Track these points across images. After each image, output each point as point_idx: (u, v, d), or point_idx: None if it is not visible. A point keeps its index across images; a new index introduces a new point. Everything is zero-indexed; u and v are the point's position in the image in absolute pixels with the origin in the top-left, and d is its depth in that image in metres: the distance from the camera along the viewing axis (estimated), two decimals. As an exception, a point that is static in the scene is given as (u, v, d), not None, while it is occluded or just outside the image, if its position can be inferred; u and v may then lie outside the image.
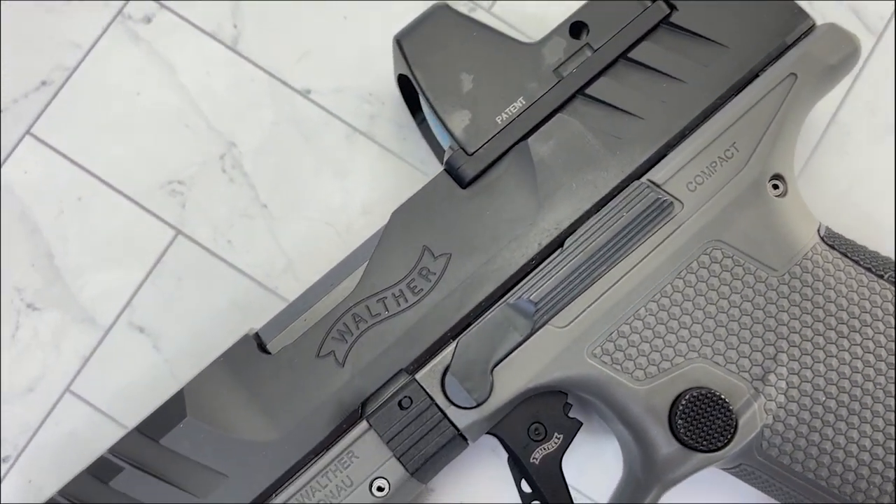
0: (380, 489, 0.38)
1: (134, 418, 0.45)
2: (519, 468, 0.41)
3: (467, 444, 0.40)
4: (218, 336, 0.47)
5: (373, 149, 0.50)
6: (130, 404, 0.47)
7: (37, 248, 0.48)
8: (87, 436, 0.46)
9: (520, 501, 0.42)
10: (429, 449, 0.38)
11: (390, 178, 0.50)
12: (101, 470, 0.38)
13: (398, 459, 0.38)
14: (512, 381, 0.39)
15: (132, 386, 0.47)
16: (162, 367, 0.47)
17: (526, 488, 0.42)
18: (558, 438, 0.41)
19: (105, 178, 0.49)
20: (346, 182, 0.49)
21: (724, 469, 0.42)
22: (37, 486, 0.46)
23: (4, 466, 0.46)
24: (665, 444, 0.39)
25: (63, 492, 0.38)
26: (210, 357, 0.41)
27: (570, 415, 0.41)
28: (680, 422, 0.38)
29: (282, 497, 0.38)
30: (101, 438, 0.46)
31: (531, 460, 0.41)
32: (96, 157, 0.49)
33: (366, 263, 0.40)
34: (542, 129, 0.41)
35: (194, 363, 0.47)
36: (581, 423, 0.41)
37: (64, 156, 0.49)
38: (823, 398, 0.38)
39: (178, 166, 0.49)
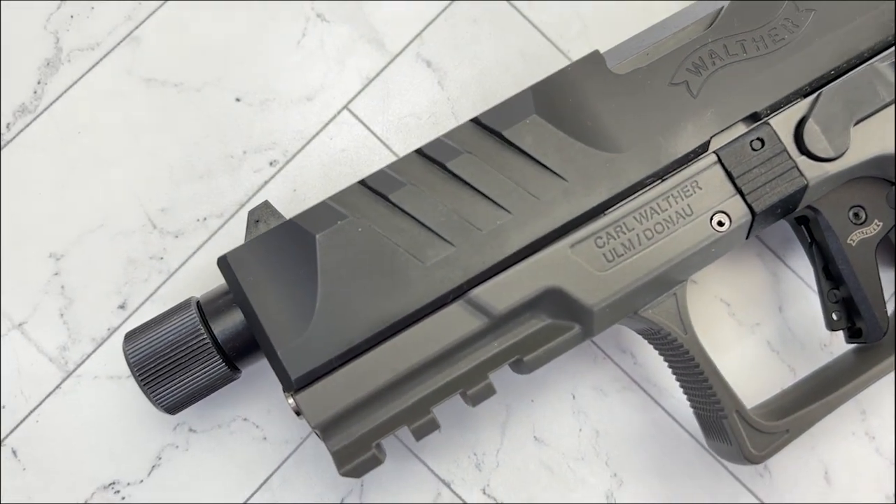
0: (720, 224, 0.37)
1: (407, 150, 0.44)
2: (831, 251, 0.40)
3: (796, 207, 0.38)
4: (503, 84, 0.46)
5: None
6: (405, 135, 0.45)
7: (335, -39, 0.46)
8: (358, 156, 0.45)
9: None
10: (774, 195, 0.37)
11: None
12: (435, 150, 0.37)
13: (743, 198, 0.37)
14: (867, 143, 0.38)
15: (410, 118, 0.45)
16: (444, 105, 0.46)
17: (826, 277, 0.41)
18: (878, 225, 0.40)
19: None
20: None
21: None
22: (301, 197, 0.44)
23: (272, 170, 0.44)
24: None
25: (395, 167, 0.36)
26: (494, 102, 0.39)
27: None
28: None
29: (618, 213, 0.37)
30: (372, 161, 0.45)
31: (847, 242, 0.40)
32: None
33: (724, 5, 0.39)
34: None
35: (476, 106, 0.46)
36: (902, 216, 0.40)
37: None
38: None
39: None
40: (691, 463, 0.44)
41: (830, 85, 0.38)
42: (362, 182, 0.37)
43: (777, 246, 0.46)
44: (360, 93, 0.45)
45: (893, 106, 0.38)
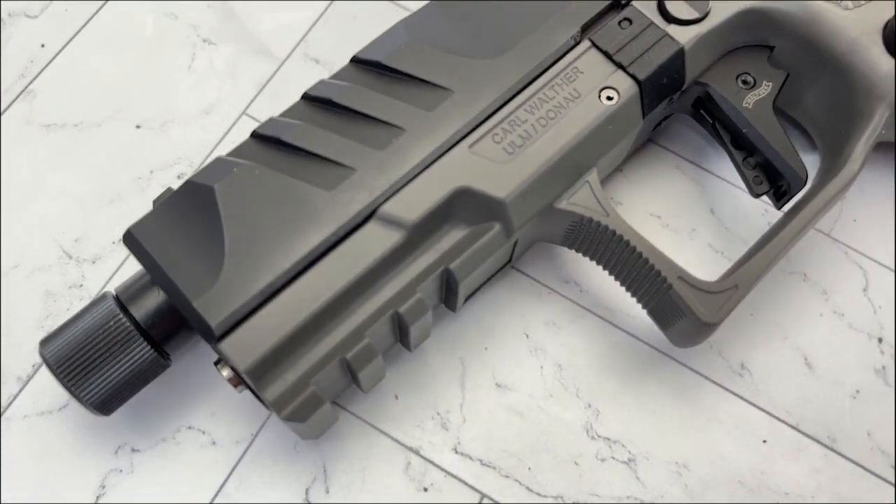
0: (609, 98, 0.37)
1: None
2: (732, 119, 0.41)
3: (683, 79, 0.39)
4: (393, 65, 0.47)
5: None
6: (307, 128, 0.46)
7: (212, -9, 0.49)
8: (265, 155, 0.45)
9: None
10: (654, 62, 0.38)
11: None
12: (321, 90, 0.37)
13: (624, 70, 0.38)
14: None
15: (309, 110, 0.46)
16: (339, 93, 0.47)
17: (737, 149, 0.41)
18: (768, 85, 0.41)
19: (277, -65, 0.50)
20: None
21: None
22: (214, 202, 0.44)
23: (181, 182, 0.44)
24: (883, 61, 0.39)
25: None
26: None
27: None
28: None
29: (508, 108, 0.37)
30: (279, 158, 0.45)
31: (744, 105, 0.40)
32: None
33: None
34: None
35: (371, 89, 0.47)
36: (788, 74, 0.41)
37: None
38: None
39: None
40: (665, 378, 0.42)
41: (676, -43, 0.40)
42: (253, 134, 0.37)
43: (692, 156, 0.47)
44: (255, 98, 0.46)
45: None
